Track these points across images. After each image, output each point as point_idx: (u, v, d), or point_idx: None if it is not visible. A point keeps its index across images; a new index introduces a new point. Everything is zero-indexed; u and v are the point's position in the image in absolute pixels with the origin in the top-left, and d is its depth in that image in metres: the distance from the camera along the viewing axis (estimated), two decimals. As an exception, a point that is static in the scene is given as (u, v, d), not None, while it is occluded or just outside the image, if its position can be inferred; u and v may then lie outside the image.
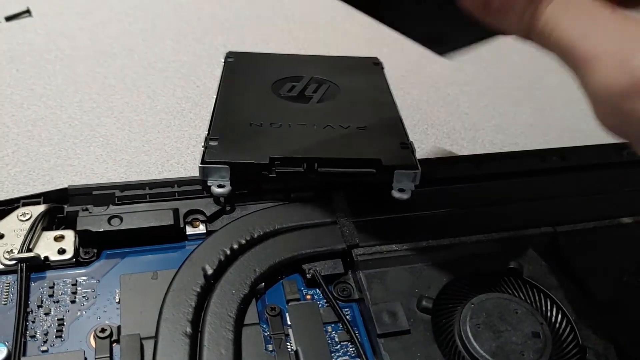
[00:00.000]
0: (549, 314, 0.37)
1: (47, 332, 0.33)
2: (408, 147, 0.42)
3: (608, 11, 0.26)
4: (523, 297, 0.37)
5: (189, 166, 0.48)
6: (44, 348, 0.33)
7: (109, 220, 0.38)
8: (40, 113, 0.51)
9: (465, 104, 0.58)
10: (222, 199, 0.40)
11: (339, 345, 0.35)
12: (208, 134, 0.41)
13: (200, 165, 0.40)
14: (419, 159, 0.41)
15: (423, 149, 0.50)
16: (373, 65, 0.52)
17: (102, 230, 0.37)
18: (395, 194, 0.40)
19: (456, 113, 0.56)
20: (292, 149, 0.40)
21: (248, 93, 0.46)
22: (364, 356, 0.34)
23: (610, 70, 0.25)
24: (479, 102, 0.58)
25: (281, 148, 0.40)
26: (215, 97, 0.45)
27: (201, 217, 0.40)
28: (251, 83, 0.47)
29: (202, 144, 0.41)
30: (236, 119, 0.43)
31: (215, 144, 0.41)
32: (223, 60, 0.50)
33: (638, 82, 0.24)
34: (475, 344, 0.34)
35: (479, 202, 0.43)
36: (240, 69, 0.49)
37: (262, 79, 0.48)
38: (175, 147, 0.49)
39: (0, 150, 0.47)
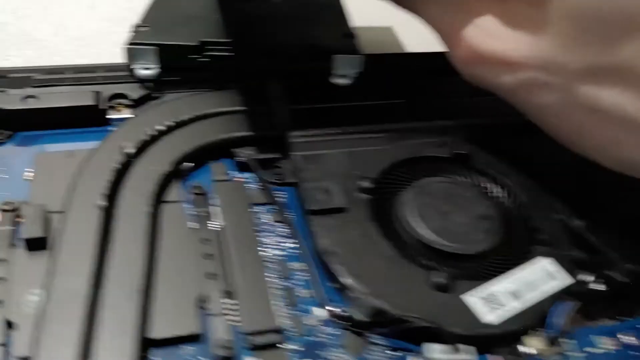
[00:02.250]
0: (500, 199, 0.34)
1: (-58, 209, 0.31)
2: (352, 35, 0.40)
3: None
4: (472, 183, 0.35)
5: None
6: (-64, 223, 0.30)
7: (23, 99, 0.35)
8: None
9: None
10: (151, 85, 0.38)
11: (269, 226, 0.32)
12: (138, 23, 0.39)
13: (126, 46, 0.37)
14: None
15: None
16: None
17: (15, 108, 0.35)
18: (336, 79, 0.38)
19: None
20: (224, 34, 0.38)
21: None
22: (296, 234, 0.31)
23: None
24: None
25: (213, 32, 0.38)
26: None
27: (126, 102, 0.37)
28: None
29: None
30: (172, 11, 0.41)
31: (145, 30, 0.38)
32: None
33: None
34: (417, 222, 0.32)
35: (428, 94, 0.40)
36: None
37: None
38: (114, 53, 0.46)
39: None
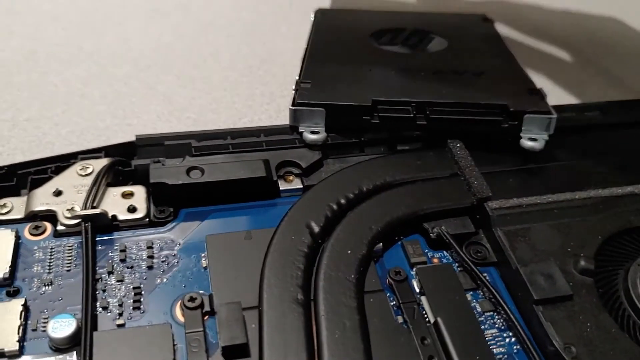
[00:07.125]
0: None
1: (122, 303, 0.27)
2: (538, 92, 0.36)
3: None
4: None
5: (263, 125, 0.41)
6: (120, 321, 0.26)
7: (187, 172, 0.31)
8: (92, 71, 0.45)
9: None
10: (319, 152, 0.34)
11: (482, 317, 0.28)
12: (299, 78, 0.35)
13: (291, 107, 0.33)
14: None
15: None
16: (482, 22, 0.47)
17: (180, 183, 0.31)
18: (526, 143, 0.34)
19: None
20: (398, 92, 0.34)
21: (344, 41, 0.41)
22: (518, 327, 0.27)
23: None
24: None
25: (385, 91, 0.34)
26: (305, 47, 0.39)
27: (295, 170, 0.33)
28: (347, 33, 0.42)
29: (293, 87, 0.35)
30: (331, 64, 0.37)
31: (308, 86, 0.34)
32: (312, 18, 0.44)
33: None
34: (655, 310, 0.27)
35: (622, 152, 0.36)
36: (333, 23, 0.44)
37: (359, 31, 0.43)
38: (247, 105, 0.43)
39: (48, 109, 0.41)
